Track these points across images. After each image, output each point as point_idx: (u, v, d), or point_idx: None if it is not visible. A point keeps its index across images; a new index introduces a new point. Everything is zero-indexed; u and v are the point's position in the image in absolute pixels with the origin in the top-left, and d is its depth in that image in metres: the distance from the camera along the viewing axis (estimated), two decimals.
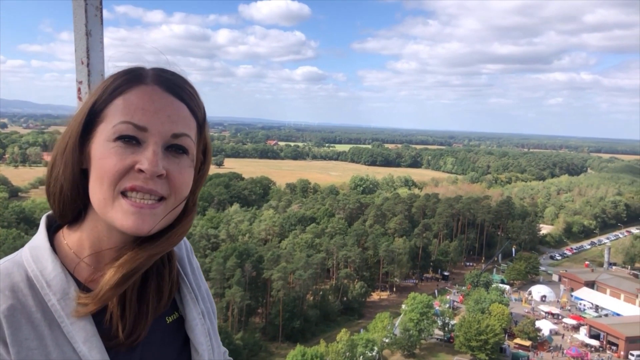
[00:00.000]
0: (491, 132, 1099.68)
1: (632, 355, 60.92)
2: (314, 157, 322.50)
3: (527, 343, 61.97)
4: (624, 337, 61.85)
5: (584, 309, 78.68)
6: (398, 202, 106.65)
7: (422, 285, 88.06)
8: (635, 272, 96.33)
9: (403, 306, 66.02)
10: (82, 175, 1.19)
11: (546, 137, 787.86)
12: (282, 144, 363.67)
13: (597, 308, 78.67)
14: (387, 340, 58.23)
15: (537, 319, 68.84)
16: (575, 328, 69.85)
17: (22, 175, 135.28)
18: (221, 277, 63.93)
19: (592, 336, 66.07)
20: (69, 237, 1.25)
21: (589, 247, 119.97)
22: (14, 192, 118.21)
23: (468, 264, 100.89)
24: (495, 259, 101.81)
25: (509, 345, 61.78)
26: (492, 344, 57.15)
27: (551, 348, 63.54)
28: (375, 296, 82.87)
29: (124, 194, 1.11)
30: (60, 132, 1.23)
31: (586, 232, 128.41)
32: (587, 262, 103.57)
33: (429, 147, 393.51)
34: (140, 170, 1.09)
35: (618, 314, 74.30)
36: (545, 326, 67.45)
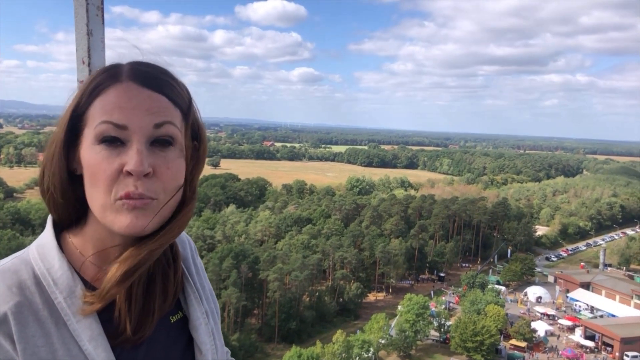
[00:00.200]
0: (487, 133, 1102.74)
1: (627, 356, 61.13)
2: (310, 158, 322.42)
3: (523, 344, 62.16)
4: (619, 338, 62.05)
5: (580, 310, 78.91)
6: (394, 203, 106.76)
7: (418, 286, 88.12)
8: (630, 273, 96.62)
9: (399, 307, 66.08)
10: (75, 181, 1.19)
11: (542, 139, 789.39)
12: (278, 144, 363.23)
13: (592, 309, 78.93)
14: (383, 341, 58.25)
15: (532, 320, 69.04)
16: (571, 329, 70.04)
17: (17, 176, 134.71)
18: (217, 278, 63.78)
19: (587, 337, 66.25)
20: (74, 236, 1.25)
21: (584, 248, 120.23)
22: (9, 193, 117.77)
23: (464, 265, 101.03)
24: (491, 260, 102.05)
25: (504, 346, 61.93)
26: (488, 345, 57.28)
27: (546, 349, 63.74)
28: (371, 297, 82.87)
29: (120, 199, 1.10)
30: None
31: (582, 234, 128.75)
32: (582, 264, 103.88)
33: (425, 148, 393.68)
34: (129, 172, 1.08)
35: (613, 315, 74.56)
36: (540, 327, 67.61)
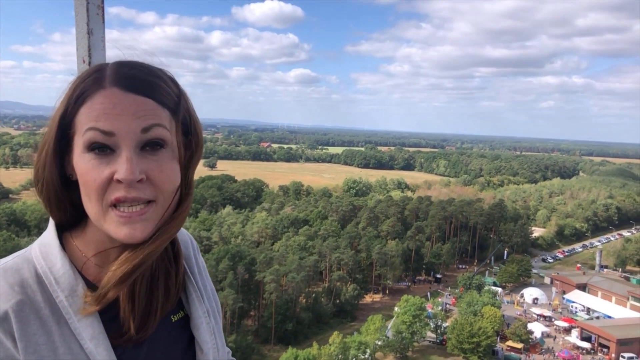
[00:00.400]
0: (484, 135, 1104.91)
1: (623, 357, 61.22)
2: (307, 160, 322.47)
3: (519, 345, 62.20)
4: (615, 339, 62.15)
5: (576, 312, 79.09)
6: (391, 204, 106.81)
7: (414, 287, 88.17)
8: (626, 274, 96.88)
9: (396, 308, 66.11)
10: (72, 186, 1.18)
11: (538, 140, 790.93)
12: (275, 146, 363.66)
13: (588, 310, 79.10)
14: (379, 343, 58.23)
15: (529, 322, 69.03)
16: (567, 330, 70.20)
17: (13, 177, 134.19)
18: (213, 279, 63.35)
19: (583, 338, 66.34)
20: (76, 237, 1.25)
21: (580, 249, 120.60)
22: (5, 194, 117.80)
23: (460, 266, 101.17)
24: (488, 261, 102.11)
25: (501, 348, 61.94)
26: (485, 347, 57.35)
27: (543, 350, 63.84)
28: (368, 298, 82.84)
29: (113, 205, 1.09)
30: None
31: (578, 235, 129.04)
32: (578, 265, 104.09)
33: (422, 149, 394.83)
34: (119, 181, 1.07)
35: (609, 317, 74.69)
36: (537, 328, 67.68)
